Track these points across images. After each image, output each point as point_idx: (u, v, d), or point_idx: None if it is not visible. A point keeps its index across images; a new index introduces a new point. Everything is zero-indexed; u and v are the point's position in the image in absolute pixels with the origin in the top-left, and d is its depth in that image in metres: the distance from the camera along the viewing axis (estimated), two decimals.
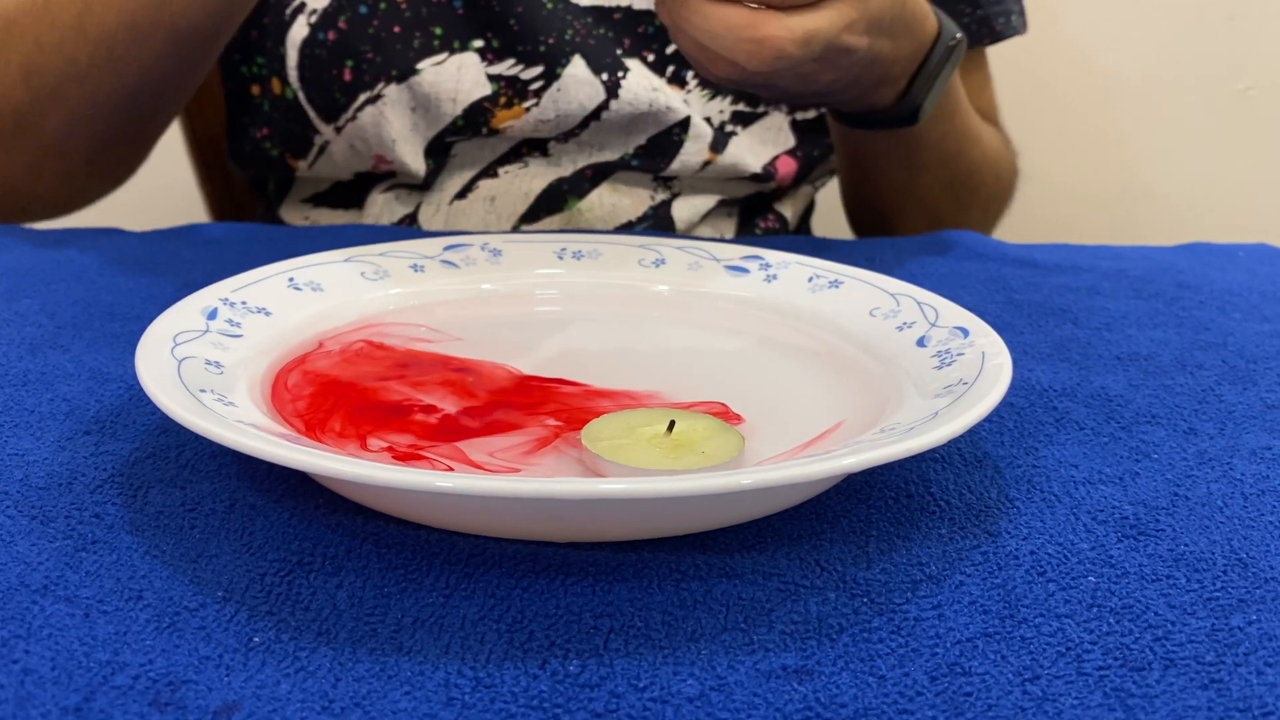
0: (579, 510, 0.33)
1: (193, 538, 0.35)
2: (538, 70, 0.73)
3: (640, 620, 0.31)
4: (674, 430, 0.38)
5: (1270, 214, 1.27)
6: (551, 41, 0.73)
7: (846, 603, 0.32)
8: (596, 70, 0.73)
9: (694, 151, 0.76)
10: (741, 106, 0.77)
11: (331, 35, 0.74)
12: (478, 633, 0.31)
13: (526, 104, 0.73)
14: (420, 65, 0.73)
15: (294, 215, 0.82)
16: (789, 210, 0.84)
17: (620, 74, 0.73)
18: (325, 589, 0.32)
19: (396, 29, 0.73)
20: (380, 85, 0.74)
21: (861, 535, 0.36)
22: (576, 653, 0.30)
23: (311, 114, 0.75)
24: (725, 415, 0.41)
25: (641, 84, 0.74)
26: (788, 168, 0.79)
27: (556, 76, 0.73)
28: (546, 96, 0.73)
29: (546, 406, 0.42)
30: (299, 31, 0.74)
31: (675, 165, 0.76)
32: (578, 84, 0.73)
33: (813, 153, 0.81)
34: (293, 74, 0.75)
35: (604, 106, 0.73)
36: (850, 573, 0.34)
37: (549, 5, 0.73)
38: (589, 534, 0.35)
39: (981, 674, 0.30)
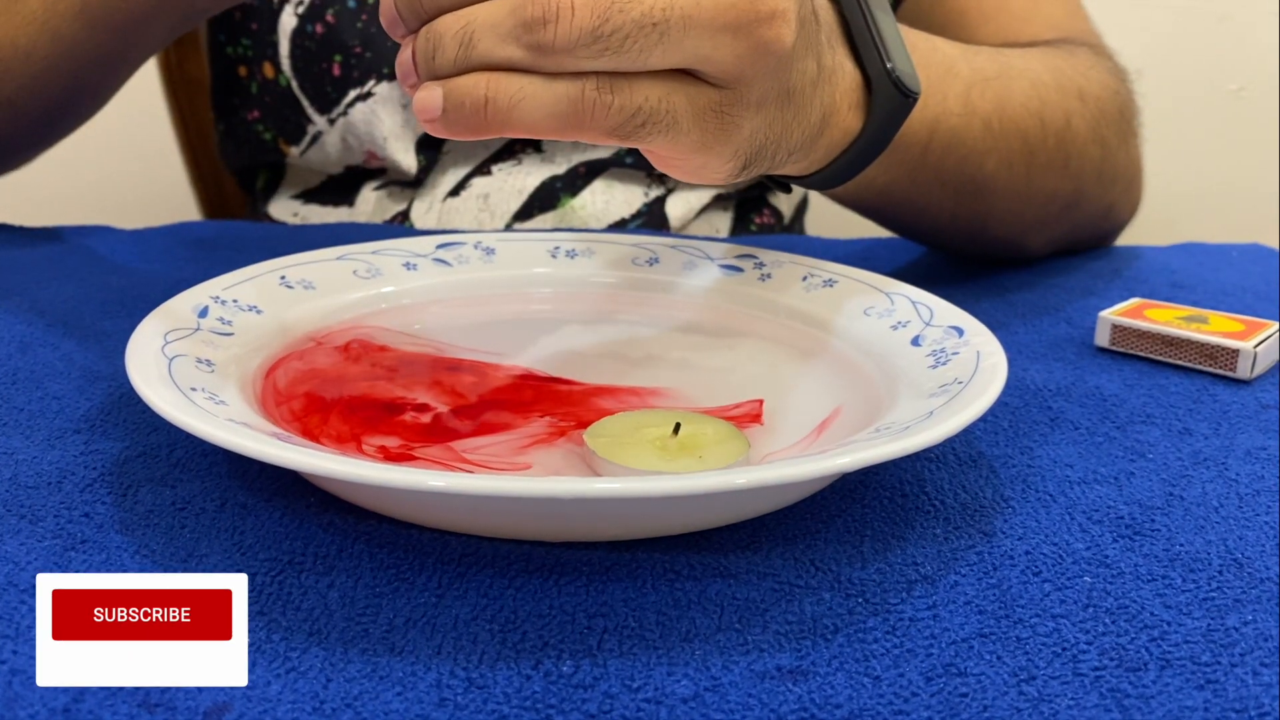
0: (565, 510, 0.33)
1: (183, 537, 0.35)
2: None
3: (634, 620, 0.31)
4: (680, 433, 0.38)
5: (1263, 214, 1.28)
6: None
7: (841, 603, 0.32)
8: None
9: None
10: None
11: (319, 28, 0.74)
12: (470, 633, 0.31)
13: None
14: None
15: (283, 212, 0.81)
16: (784, 204, 0.84)
17: None
18: (316, 589, 0.32)
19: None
20: (371, 83, 0.73)
21: (856, 535, 0.36)
22: (570, 653, 0.30)
23: (305, 103, 0.75)
24: (755, 417, 0.41)
25: None
26: None
27: None
28: None
29: (540, 405, 0.42)
30: (288, 21, 0.74)
31: None
32: None
33: None
34: (285, 62, 0.75)
35: None
36: (845, 573, 0.34)
37: None
38: (581, 534, 0.34)
39: (977, 674, 0.29)
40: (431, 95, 0.35)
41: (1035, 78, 0.59)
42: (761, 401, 0.42)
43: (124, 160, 0.69)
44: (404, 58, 0.36)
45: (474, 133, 0.35)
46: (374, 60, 0.73)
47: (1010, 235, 0.63)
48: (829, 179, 0.46)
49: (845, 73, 0.43)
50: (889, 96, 0.44)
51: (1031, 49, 0.62)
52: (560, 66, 0.34)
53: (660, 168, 0.40)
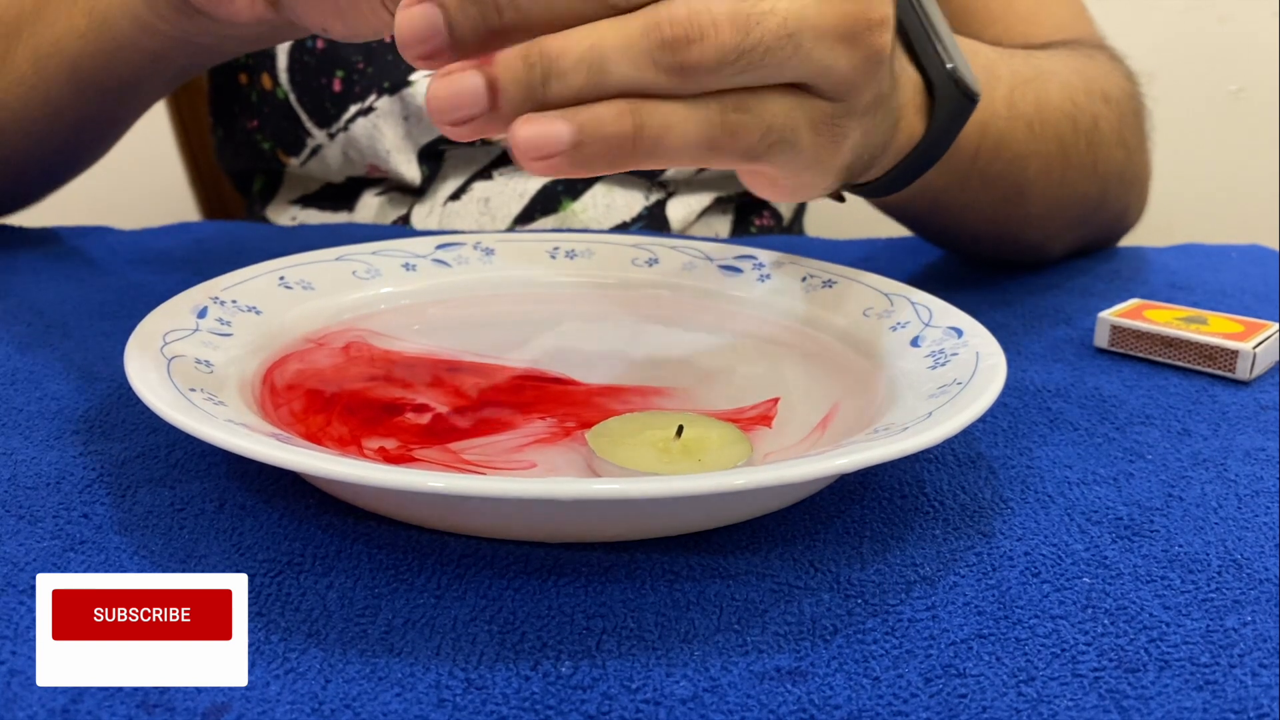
0: (561, 510, 0.33)
1: (182, 538, 0.35)
2: None
3: (633, 621, 0.31)
4: (683, 436, 0.38)
5: (1263, 215, 1.28)
6: None
7: (840, 604, 0.32)
8: None
9: None
10: None
11: (320, 44, 0.73)
12: (469, 634, 0.31)
13: None
14: (413, 77, 0.72)
15: (280, 216, 0.81)
16: (783, 206, 0.84)
17: None
18: (315, 589, 0.32)
19: (387, 39, 0.73)
20: (372, 97, 0.73)
21: (855, 536, 0.36)
22: (569, 654, 0.30)
23: (304, 117, 0.75)
24: (765, 419, 0.41)
25: None
26: None
27: None
28: None
29: (540, 406, 0.42)
30: None
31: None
32: None
33: None
34: (283, 75, 0.74)
35: None
36: (844, 574, 0.34)
37: None
38: (580, 534, 0.34)
39: (976, 675, 0.29)
40: (553, 129, 0.31)
41: (1064, 80, 0.59)
42: (777, 400, 0.42)
43: (123, 161, 0.69)
44: (470, 85, 0.31)
45: (610, 166, 0.32)
46: (375, 75, 0.73)
47: (1040, 239, 0.63)
48: (890, 185, 0.45)
49: (909, 76, 0.43)
50: (952, 98, 0.43)
51: (1054, 50, 0.62)
52: (701, 87, 0.32)
53: (761, 192, 0.38)
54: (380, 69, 0.73)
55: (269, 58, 0.75)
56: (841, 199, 0.49)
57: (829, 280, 0.49)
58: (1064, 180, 0.59)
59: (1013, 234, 0.61)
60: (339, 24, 0.41)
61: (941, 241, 0.65)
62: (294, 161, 0.77)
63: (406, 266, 0.51)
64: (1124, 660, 0.30)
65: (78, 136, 0.61)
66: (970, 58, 0.52)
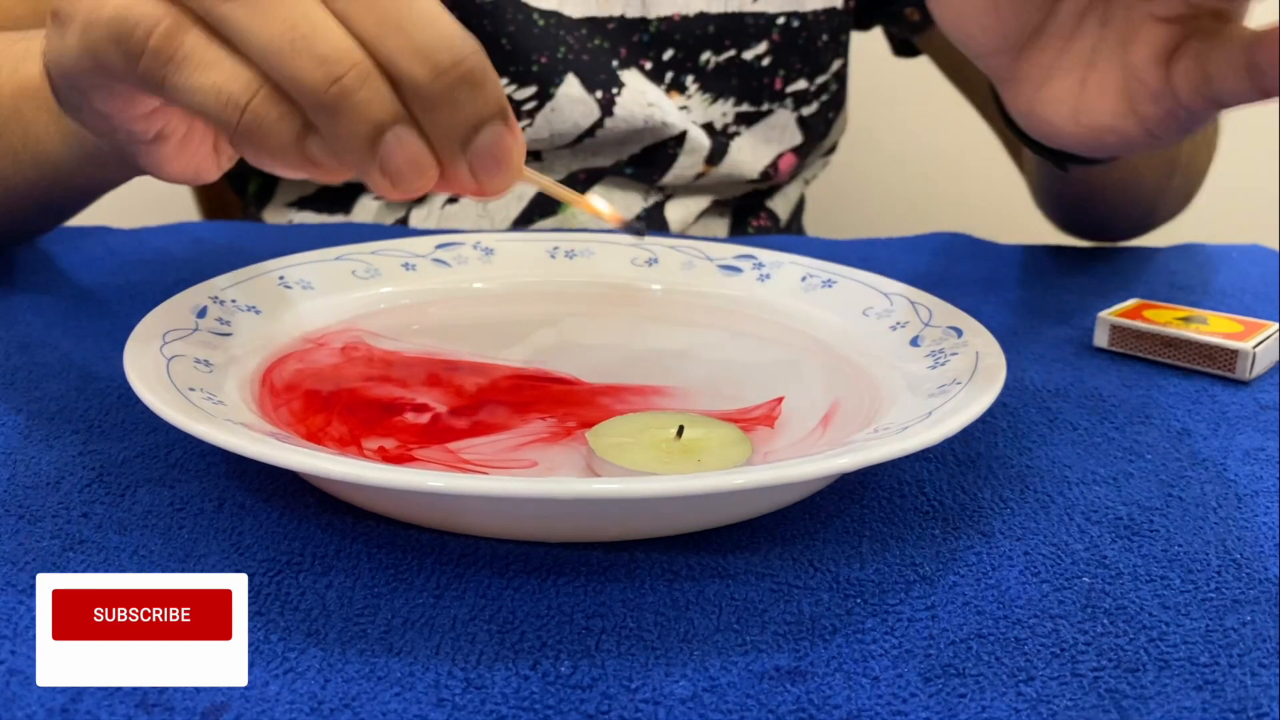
0: (558, 510, 0.33)
1: (181, 537, 0.35)
2: (531, 90, 0.72)
3: (632, 621, 0.31)
4: (684, 436, 0.38)
5: (1263, 215, 1.28)
6: (544, 60, 0.72)
7: (840, 603, 0.32)
8: (590, 88, 0.72)
9: (688, 165, 0.76)
10: (745, 107, 0.77)
11: None
12: (469, 633, 0.31)
13: (520, 124, 0.73)
14: None
15: (277, 219, 0.81)
16: (781, 208, 0.84)
17: (615, 90, 0.73)
18: (314, 589, 0.32)
19: None
20: None
21: (855, 535, 0.36)
22: (568, 654, 0.30)
23: None
24: (769, 419, 0.41)
25: (636, 100, 0.73)
26: (788, 164, 0.79)
27: (550, 96, 0.72)
28: (540, 116, 0.72)
29: (540, 406, 0.42)
30: None
31: (669, 177, 0.76)
32: (571, 103, 0.72)
33: (812, 146, 0.80)
34: None
35: (599, 124, 0.73)
36: (844, 573, 0.34)
37: (541, 22, 0.72)
38: (579, 534, 0.34)
39: (975, 675, 0.29)
40: None
41: None
42: (781, 400, 0.42)
43: None
44: None
45: None
46: None
47: (1167, 213, 0.64)
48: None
49: None
50: None
51: None
52: None
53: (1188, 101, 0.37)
54: None
55: None
56: (1064, 168, 0.49)
57: (829, 280, 0.49)
58: (1199, 150, 0.60)
59: (1153, 206, 0.62)
60: (307, 176, 0.42)
61: (1084, 218, 0.65)
62: None
63: (406, 266, 0.51)
64: (1123, 660, 0.30)
65: (21, 229, 0.61)
66: None
